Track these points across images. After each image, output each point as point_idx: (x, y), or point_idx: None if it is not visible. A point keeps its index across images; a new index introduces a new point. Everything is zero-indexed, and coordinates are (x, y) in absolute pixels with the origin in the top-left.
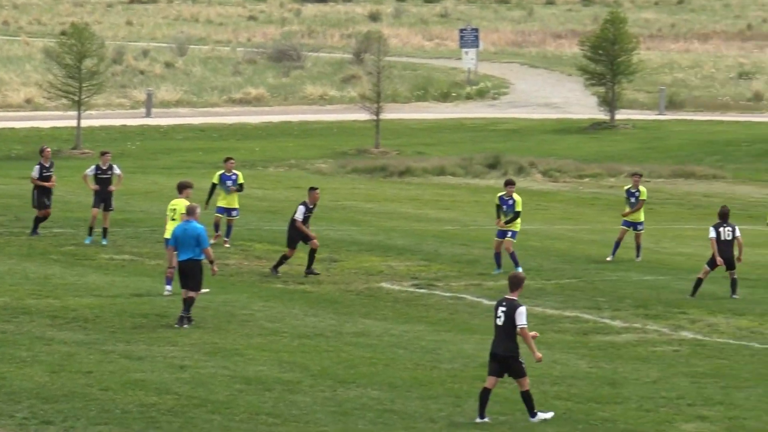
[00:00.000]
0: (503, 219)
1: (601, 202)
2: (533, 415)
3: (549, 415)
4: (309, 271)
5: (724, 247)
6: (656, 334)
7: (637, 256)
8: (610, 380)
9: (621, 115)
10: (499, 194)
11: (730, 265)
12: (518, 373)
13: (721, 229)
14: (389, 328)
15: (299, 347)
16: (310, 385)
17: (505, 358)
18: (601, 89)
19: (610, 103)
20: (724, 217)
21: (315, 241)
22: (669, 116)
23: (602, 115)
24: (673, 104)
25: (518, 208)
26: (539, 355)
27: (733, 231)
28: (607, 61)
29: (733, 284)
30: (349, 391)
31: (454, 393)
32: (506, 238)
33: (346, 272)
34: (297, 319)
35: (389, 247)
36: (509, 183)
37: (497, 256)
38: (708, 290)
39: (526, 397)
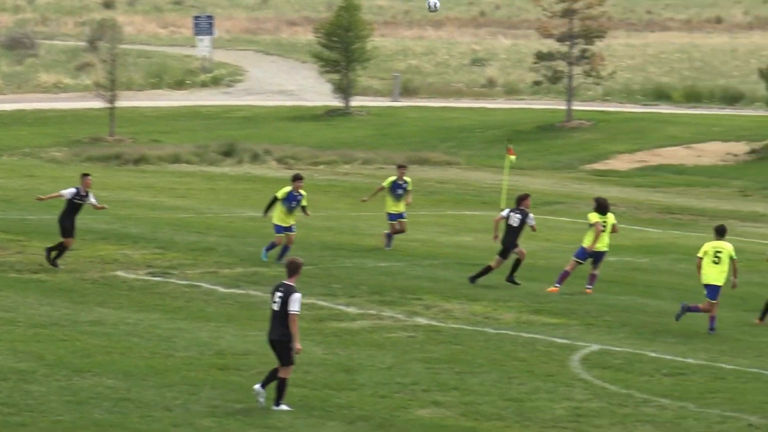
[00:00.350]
0: (288, 214)
1: (336, 189)
2: (278, 404)
3: (289, 408)
4: (52, 261)
5: (508, 232)
6: (391, 320)
7: (389, 245)
8: (345, 367)
9: (356, 101)
10: (287, 189)
11: (503, 253)
12: (285, 359)
13: (512, 213)
14: (125, 317)
15: (34, 336)
16: (45, 375)
17: (278, 342)
18: (336, 76)
19: (344, 89)
20: (517, 202)
21: (70, 240)
22: (403, 103)
23: (337, 102)
24: (407, 91)
25: (305, 202)
26: (299, 346)
27: (523, 218)
28: (341, 48)
29: (485, 271)
30: (84, 380)
31: (189, 381)
32: (292, 233)
33: (81, 261)
34: (32, 308)
35: (124, 236)
36: (298, 178)
37: (272, 245)
38: (442, 276)
39: (281, 385)
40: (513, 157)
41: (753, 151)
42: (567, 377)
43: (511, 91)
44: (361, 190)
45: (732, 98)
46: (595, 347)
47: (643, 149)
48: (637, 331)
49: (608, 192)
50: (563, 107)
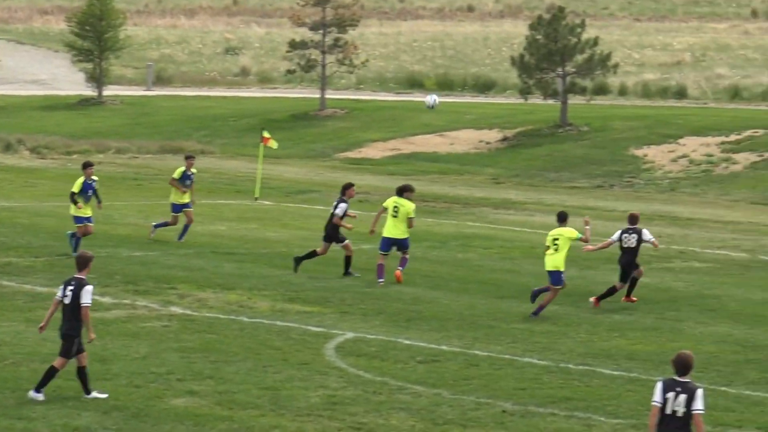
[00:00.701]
0: (82, 203)
1: None
2: (38, 391)
3: (40, 397)
4: None
5: (328, 222)
6: (146, 309)
7: (181, 237)
8: (100, 357)
9: (109, 90)
10: (81, 180)
11: (325, 238)
12: (65, 351)
13: (335, 203)
14: None
15: None
16: None
17: (65, 335)
18: (89, 65)
19: (97, 79)
20: (341, 192)
21: None
22: (157, 92)
23: (90, 91)
24: (160, 80)
25: (97, 186)
26: (93, 335)
27: (335, 208)
28: (94, 37)
29: (308, 256)
30: None
31: None
32: (91, 224)
33: None
34: None
35: None
36: (89, 165)
37: (77, 240)
38: (197, 265)
39: (49, 373)
40: (275, 145)
41: (505, 139)
42: (322, 365)
43: (264, 80)
44: (116, 179)
45: (484, 86)
46: (349, 335)
47: (396, 137)
48: (392, 319)
49: (363, 180)
50: (317, 96)
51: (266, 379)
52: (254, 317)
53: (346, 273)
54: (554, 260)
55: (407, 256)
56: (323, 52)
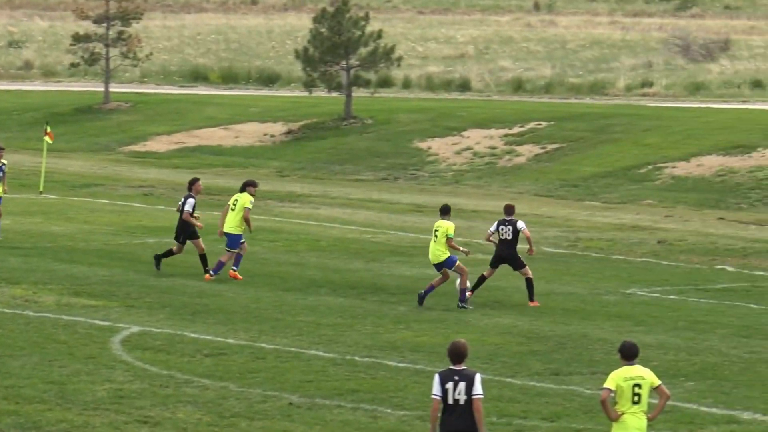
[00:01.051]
0: None
1: None
2: None
3: None
4: None
5: (179, 221)
6: None
7: None
8: None
9: None
10: None
11: (176, 237)
12: None
13: (183, 199)
14: None
15: None
16: None
17: None
18: None
19: None
20: (188, 188)
21: None
22: None
23: None
24: None
25: None
26: None
27: (183, 204)
28: None
29: (166, 255)
30: None
31: None
32: None
33: None
34: None
35: None
36: None
37: None
38: None
39: None
40: (49, 140)
41: (290, 132)
42: (108, 359)
43: (48, 73)
44: None
45: (268, 79)
46: (135, 329)
47: (181, 131)
48: (178, 312)
49: (148, 174)
50: (101, 89)
51: (52, 374)
52: (40, 311)
53: (205, 268)
54: (435, 251)
55: (236, 254)
56: (107, 46)
